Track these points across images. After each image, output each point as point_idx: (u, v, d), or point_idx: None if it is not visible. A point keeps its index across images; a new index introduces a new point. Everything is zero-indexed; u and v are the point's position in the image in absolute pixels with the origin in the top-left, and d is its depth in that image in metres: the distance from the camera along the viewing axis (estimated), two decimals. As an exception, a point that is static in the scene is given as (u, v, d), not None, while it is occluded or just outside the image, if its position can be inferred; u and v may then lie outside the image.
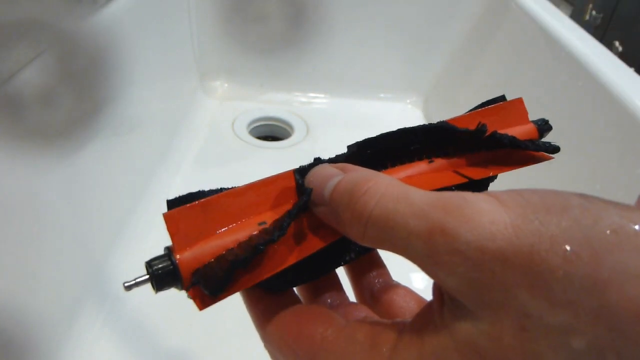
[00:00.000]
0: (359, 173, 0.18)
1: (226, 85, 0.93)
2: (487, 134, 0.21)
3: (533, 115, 0.24)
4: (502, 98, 0.24)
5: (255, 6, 0.78)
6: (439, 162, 0.22)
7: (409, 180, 0.21)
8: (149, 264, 0.18)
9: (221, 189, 0.20)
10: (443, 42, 0.90)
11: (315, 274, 0.22)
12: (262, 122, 0.87)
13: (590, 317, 0.13)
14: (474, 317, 0.14)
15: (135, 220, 0.62)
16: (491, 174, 0.22)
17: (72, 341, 0.49)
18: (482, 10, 0.85)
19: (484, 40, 0.83)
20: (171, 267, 0.17)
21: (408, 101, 0.95)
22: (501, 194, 0.15)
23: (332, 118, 0.88)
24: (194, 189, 0.19)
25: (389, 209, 0.16)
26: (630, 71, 0.56)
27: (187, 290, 0.17)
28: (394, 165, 0.22)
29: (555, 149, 0.22)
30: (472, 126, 0.21)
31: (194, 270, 0.17)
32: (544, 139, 0.23)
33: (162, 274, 0.17)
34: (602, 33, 1.45)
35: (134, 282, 0.18)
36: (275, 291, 0.20)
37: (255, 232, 0.18)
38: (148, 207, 0.64)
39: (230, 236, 0.18)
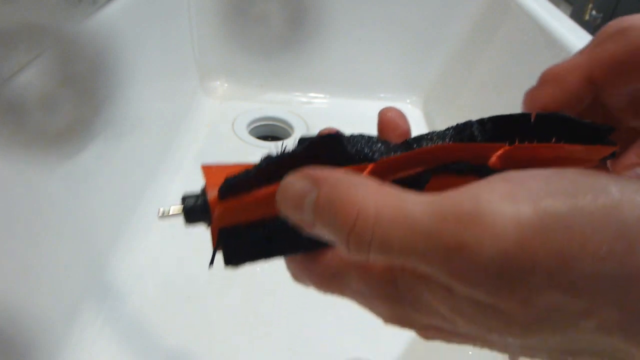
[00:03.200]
0: (336, 193, 0.15)
1: (226, 85, 0.93)
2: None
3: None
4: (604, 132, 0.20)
5: (256, 6, 0.78)
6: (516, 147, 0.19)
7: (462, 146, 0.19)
8: (183, 199, 0.18)
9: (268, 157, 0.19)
10: (443, 41, 0.90)
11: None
12: (262, 122, 0.87)
13: (606, 304, 0.13)
14: (492, 309, 0.14)
15: (135, 220, 0.62)
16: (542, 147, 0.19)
17: (72, 341, 0.49)
18: (482, 10, 0.85)
19: (484, 40, 0.83)
20: (203, 204, 0.18)
21: (408, 101, 0.95)
22: (523, 182, 0.14)
23: (332, 118, 0.88)
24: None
25: (390, 237, 0.14)
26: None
27: (214, 253, 0.18)
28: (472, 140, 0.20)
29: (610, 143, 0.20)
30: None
31: (225, 224, 0.18)
32: None
33: (194, 211, 0.18)
34: (602, 33, 1.45)
35: (169, 214, 0.19)
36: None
37: None
38: (148, 207, 0.64)
39: (263, 200, 0.18)
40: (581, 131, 0.20)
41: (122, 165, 0.60)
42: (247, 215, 0.18)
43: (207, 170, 0.18)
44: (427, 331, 0.17)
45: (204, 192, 0.18)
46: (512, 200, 0.13)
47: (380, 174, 0.18)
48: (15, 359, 0.40)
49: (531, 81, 0.25)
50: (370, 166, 0.18)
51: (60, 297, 0.48)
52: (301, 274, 0.19)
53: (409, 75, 0.94)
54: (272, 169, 0.18)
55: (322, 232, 0.16)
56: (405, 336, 0.52)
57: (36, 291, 0.44)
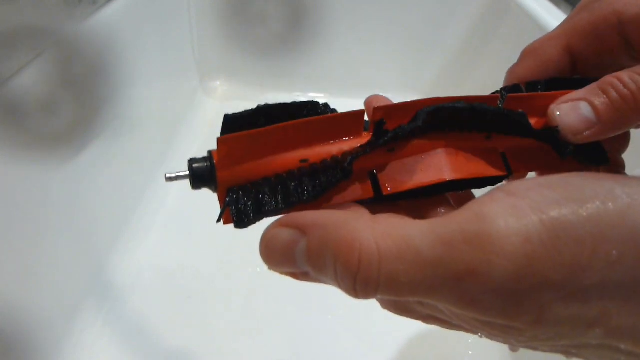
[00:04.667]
0: (330, 235, 0.14)
1: (226, 85, 0.93)
2: (560, 140, 0.20)
3: None
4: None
5: (256, 6, 0.78)
6: (495, 139, 0.21)
7: (453, 157, 0.20)
8: (190, 162, 0.19)
9: (278, 105, 0.20)
10: (443, 41, 0.90)
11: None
12: (262, 122, 0.87)
13: (615, 310, 0.13)
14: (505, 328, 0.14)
15: (136, 220, 0.62)
16: (534, 169, 0.21)
17: (72, 341, 0.49)
18: (482, 10, 0.85)
19: (484, 40, 0.83)
20: (209, 167, 0.18)
21: (408, 101, 0.95)
22: (529, 194, 0.14)
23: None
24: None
25: (397, 272, 0.13)
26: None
27: (223, 210, 0.18)
28: (452, 130, 0.20)
29: (606, 161, 0.21)
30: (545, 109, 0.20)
31: (231, 185, 0.18)
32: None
33: (199, 172, 0.18)
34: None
35: (174, 175, 0.19)
36: None
37: (294, 169, 0.19)
38: (148, 207, 0.64)
39: (271, 165, 0.19)
40: (568, 84, 0.21)
41: (122, 165, 0.60)
42: (252, 175, 0.19)
43: (221, 141, 0.19)
44: (428, 319, 0.17)
45: (210, 155, 0.19)
46: (518, 215, 0.13)
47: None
48: (16, 359, 0.40)
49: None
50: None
51: (60, 297, 0.48)
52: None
53: (409, 75, 0.94)
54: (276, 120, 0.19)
55: (320, 279, 0.15)
56: (405, 337, 0.52)
57: (36, 291, 0.44)
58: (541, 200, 0.13)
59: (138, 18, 0.64)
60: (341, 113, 0.19)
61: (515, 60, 0.25)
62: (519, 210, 0.13)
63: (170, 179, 0.19)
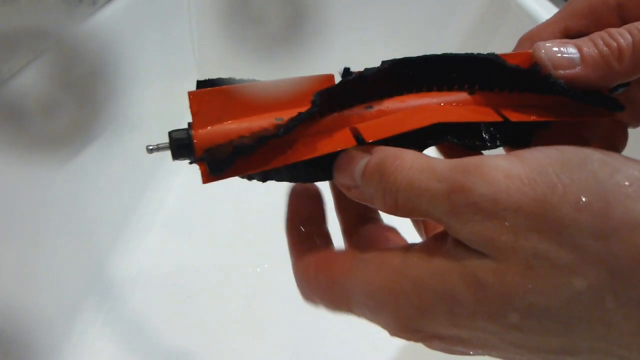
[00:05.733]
0: (385, 152, 0.18)
1: (226, 85, 0.93)
2: (541, 75, 0.20)
3: None
4: None
5: (256, 6, 0.78)
6: (480, 95, 0.21)
7: (443, 108, 0.20)
8: (170, 134, 0.19)
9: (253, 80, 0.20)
10: (443, 41, 0.90)
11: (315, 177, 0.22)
12: (262, 122, 0.87)
13: (594, 261, 0.14)
14: (482, 256, 0.15)
15: (136, 220, 0.63)
16: (533, 119, 0.20)
17: (72, 341, 0.49)
18: (482, 10, 0.85)
19: (484, 40, 0.83)
20: (188, 139, 0.19)
21: (408, 101, 0.95)
22: (523, 152, 0.16)
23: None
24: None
25: (415, 178, 0.17)
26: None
27: (196, 163, 0.19)
28: (430, 89, 0.21)
29: (618, 107, 0.20)
30: (524, 65, 0.20)
31: (207, 148, 0.19)
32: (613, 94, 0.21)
33: (179, 144, 0.19)
34: (602, 33, 1.45)
35: (155, 146, 0.20)
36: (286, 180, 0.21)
37: (270, 127, 0.19)
38: (148, 207, 0.65)
39: (246, 124, 0.19)
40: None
41: (122, 165, 0.60)
42: (228, 135, 0.19)
43: (194, 98, 0.19)
44: (432, 341, 0.18)
45: (189, 125, 0.19)
46: (508, 161, 0.16)
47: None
48: (16, 359, 0.40)
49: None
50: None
51: (60, 297, 0.48)
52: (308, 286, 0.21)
53: (409, 75, 0.94)
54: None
55: (365, 185, 0.19)
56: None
57: (36, 291, 0.44)
58: (530, 154, 0.16)
59: (138, 18, 0.64)
60: (312, 75, 0.20)
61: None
62: (511, 158, 0.16)
63: (151, 150, 0.20)
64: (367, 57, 1.00)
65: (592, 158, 0.15)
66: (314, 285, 0.20)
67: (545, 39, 0.21)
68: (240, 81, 0.21)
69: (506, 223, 0.15)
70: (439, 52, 0.21)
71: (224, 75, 0.21)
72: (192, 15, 0.84)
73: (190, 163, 0.19)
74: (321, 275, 0.20)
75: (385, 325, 0.18)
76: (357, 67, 0.21)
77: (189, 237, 0.63)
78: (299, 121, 0.19)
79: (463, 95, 0.21)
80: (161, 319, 0.53)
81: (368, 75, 0.20)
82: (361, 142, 0.19)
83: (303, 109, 0.19)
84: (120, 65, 0.56)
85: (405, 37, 0.91)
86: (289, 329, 0.53)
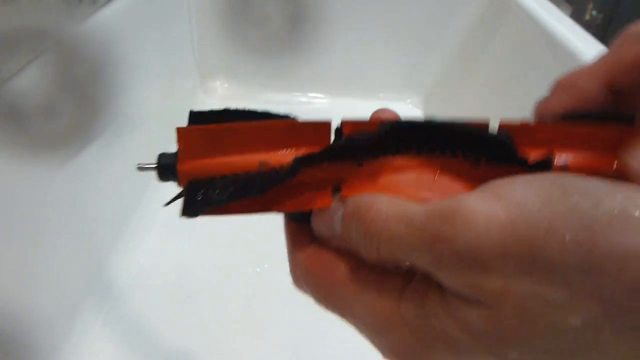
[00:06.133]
0: (357, 202, 0.18)
1: (226, 85, 0.93)
2: (549, 170, 0.18)
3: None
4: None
5: (256, 6, 0.78)
6: (486, 169, 0.19)
7: (427, 175, 0.19)
8: (159, 157, 0.20)
9: (247, 111, 0.21)
10: (443, 41, 0.90)
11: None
12: (262, 122, 0.87)
13: (586, 296, 0.14)
14: (474, 303, 0.15)
15: (135, 220, 0.63)
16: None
17: (72, 341, 0.49)
18: (482, 10, 0.85)
19: (484, 40, 0.83)
20: (174, 160, 0.20)
21: (408, 101, 0.95)
22: (498, 187, 0.16)
23: (332, 118, 0.88)
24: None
25: (393, 230, 0.17)
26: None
27: (175, 198, 0.20)
28: (432, 151, 0.19)
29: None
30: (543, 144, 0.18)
31: (191, 178, 0.19)
32: None
33: (165, 167, 0.20)
34: (602, 33, 1.45)
35: (145, 165, 0.21)
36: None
37: (253, 170, 0.19)
38: (148, 207, 0.65)
39: (231, 164, 0.19)
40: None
41: (122, 165, 0.60)
42: (212, 171, 0.19)
43: (180, 134, 0.20)
44: None
45: (177, 153, 0.20)
46: (487, 201, 0.15)
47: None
48: (16, 359, 0.40)
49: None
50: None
51: (60, 297, 0.48)
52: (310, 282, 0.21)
53: (409, 76, 0.94)
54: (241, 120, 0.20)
55: (346, 236, 0.19)
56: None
57: (36, 291, 0.44)
58: (511, 191, 0.16)
59: (138, 18, 0.64)
60: (307, 121, 0.20)
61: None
62: (490, 198, 0.15)
63: (141, 169, 0.21)
64: (367, 57, 1.00)
65: (574, 189, 0.15)
66: (313, 284, 0.20)
67: (587, 90, 0.19)
68: (235, 113, 0.21)
69: (494, 269, 0.15)
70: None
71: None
72: (192, 15, 0.84)
73: (179, 186, 0.20)
74: (322, 275, 0.20)
75: (380, 349, 0.19)
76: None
77: (189, 237, 0.63)
78: (275, 183, 0.19)
79: (465, 167, 0.19)
80: (161, 319, 0.53)
81: (360, 140, 0.19)
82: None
83: (291, 157, 0.19)
84: (120, 65, 0.56)
85: (405, 37, 0.91)
86: (289, 329, 0.53)
